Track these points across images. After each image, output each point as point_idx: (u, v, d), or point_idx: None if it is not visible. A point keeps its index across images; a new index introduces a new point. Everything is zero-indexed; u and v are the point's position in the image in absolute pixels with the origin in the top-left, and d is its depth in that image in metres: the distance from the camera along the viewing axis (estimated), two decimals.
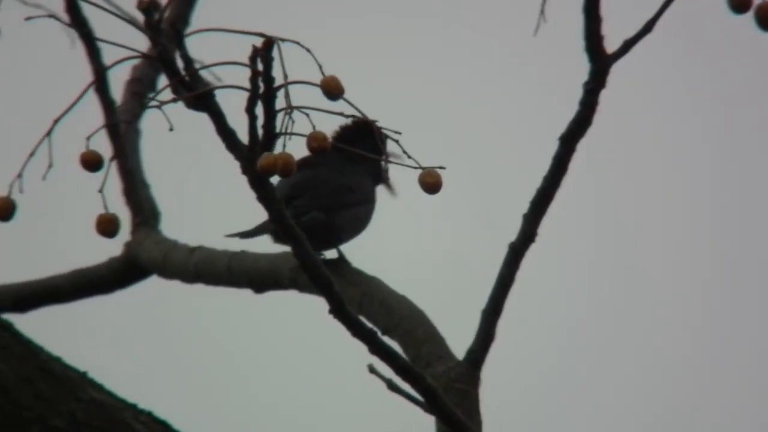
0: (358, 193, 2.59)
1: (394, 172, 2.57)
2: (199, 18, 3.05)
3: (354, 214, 2.58)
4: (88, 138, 1.75)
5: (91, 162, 1.76)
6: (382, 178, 2.62)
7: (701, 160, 3.48)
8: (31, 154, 1.75)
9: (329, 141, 1.76)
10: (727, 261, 3.43)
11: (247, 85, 1.76)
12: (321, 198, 2.55)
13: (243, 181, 1.84)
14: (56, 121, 1.74)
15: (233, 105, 1.80)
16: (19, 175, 1.76)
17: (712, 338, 3.41)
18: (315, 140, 1.75)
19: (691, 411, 3.35)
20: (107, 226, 1.77)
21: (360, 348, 1.95)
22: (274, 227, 1.91)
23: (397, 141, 1.85)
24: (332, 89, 1.74)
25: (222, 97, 1.79)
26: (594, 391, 3.39)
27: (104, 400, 2.04)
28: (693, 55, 3.30)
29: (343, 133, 2.57)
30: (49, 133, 1.75)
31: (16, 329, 2.05)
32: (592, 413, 3.36)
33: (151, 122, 2.98)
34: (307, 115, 1.76)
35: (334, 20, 3.35)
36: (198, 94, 1.76)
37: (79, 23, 2.76)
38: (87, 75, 2.84)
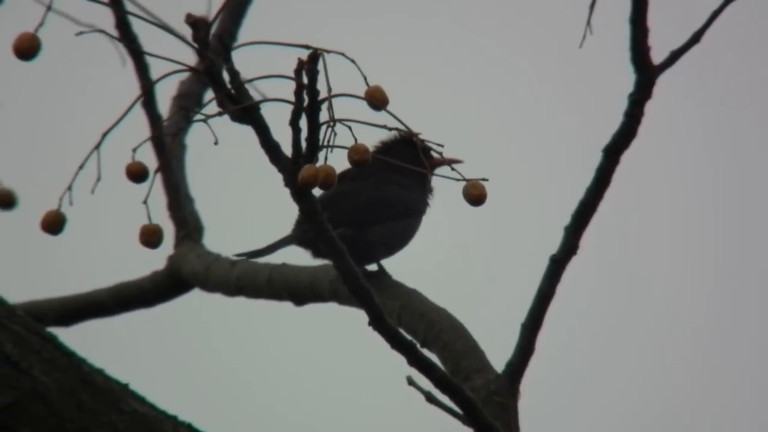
0: (397, 206, 2.54)
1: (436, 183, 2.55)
2: (246, 33, 3.07)
3: (390, 229, 2.53)
4: (135, 149, 1.76)
5: (137, 173, 1.77)
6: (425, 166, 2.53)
7: (748, 173, 3.45)
8: (81, 167, 1.76)
9: (370, 154, 1.76)
10: None
11: (292, 98, 1.77)
12: (351, 213, 2.51)
13: (286, 194, 1.84)
14: (105, 134, 1.76)
15: (278, 118, 1.81)
16: (69, 188, 1.78)
17: (757, 347, 3.38)
18: (356, 153, 1.76)
19: (722, 416, 3.32)
20: (150, 236, 1.79)
21: (399, 360, 1.95)
22: (315, 239, 1.90)
23: (440, 153, 1.84)
24: (377, 99, 1.75)
25: (266, 111, 1.80)
26: (632, 404, 3.36)
27: (146, 412, 2.04)
28: (741, 66, 3.27)
29: (387, 146, 2.55)
30: (98, 146, 1.76)
31: (59, 341, 2.06)
32: (629, 427, 3.34)
33: (196, 137, 3.00)
34: (350, 128, 1.76)
35: (379, 32, 3.36)
36: (244, 107, 1.77)
37: (128, 39, 2.79)
38: (135, 90, 2.86)
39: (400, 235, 2.55)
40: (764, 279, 3.42)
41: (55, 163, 3.02)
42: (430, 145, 1.79)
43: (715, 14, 2.11)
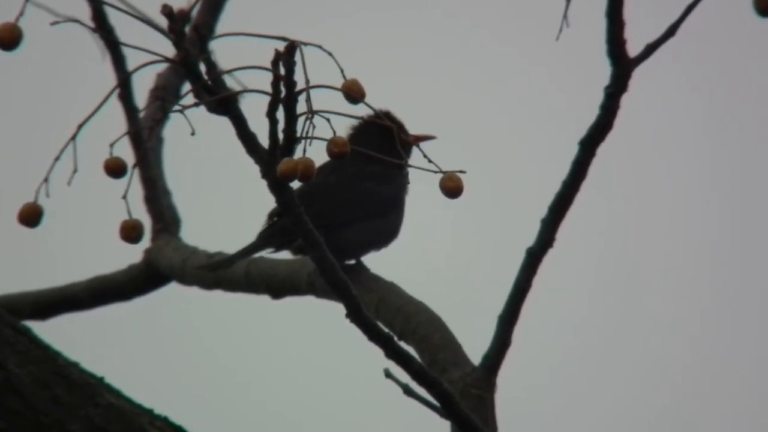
0: (373, 204, 2.51)
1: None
2: (224, 25, 3.06)
3: (366, 229, 2.50)
4: (112, 145, 1.75)
5: (115, 168, 1.76)
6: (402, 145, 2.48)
7: (723, 166, 3.47)
8: (57, 159, 1.75)
9: (349, 146, 1.76)
10: (759, 270, 3.41)
11: (269, 89, 1.76)
12: (325, 213, 2.48)
13: (263, 186, 1.83)
14: (81, 126, 1.75)
15: (255, 110, 1.80)
16: (46, 180, 1.76)
17: (733, 344, 3.40)
18: (336, 145, 1.75)
19: (700, 411, 3.34)
20: (131, 232, 1.78)
21: (376, 352, 1.95)
22: (292, 232, 1.90)
23: (417, 145, 1.84)
24: (354, 93, 1.74)
25: (244, 102, 1.79)
26: (610, 398, 3.37)
27: (121, 406, 2.03)
28: (717, 59, 3.29)
29: (359, 131, 2.50)
30: (73, 138, 1.75)
31: (33, 334, 2.05)
32: (607, 419, 3.35)
33: (173, 130, 2.99)
34: (328, 120, 1.76)
35: (355, 23, 3.36)
36: (220, 98, 1.76)
37: (104, 30, 2.78)
38: (112, 81, 2.85)
39: (376, 233, 2.53)
40: (743, 264, 3.44)
41: (33, 155, 3.00)
42: (401, 122, 1.78)
43: (691, 7, 2.12)
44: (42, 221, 1.77)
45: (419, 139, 2.41)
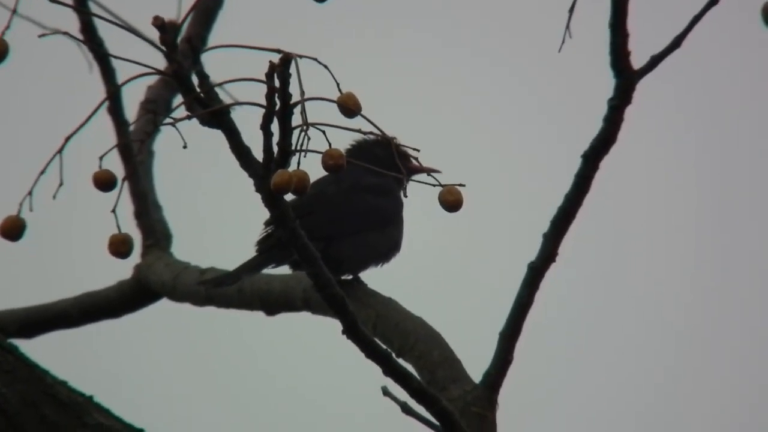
0: (372, 216, 2.45)
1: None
2: (217, 37, 3.04)
3: (364, 241, 2.45)
4: (101, 158, 1.73)
5: (104, 181, 1.73)
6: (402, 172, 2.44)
7: (729, 179, 3.44)
8: (42, 172, 1.72)
9: (345, 159, 1.73)
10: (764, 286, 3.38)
11: (263, 101, 1.73)
12: (323, 225, 2.43)
13: (258, 200, 1.80)
14: (68, 139, 1.72)
15: (249, 123, 1.77)
16: (30, 194, 1.74)
17: (737, 361, 3.37)
18: (331, 158, 1.73)
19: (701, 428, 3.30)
20: (120, 246, 1.75)
21: (374, 370, 1.93)
22: (287, 246, 1.86)
23: (416, 158, 1.82)
24: (349, 106, 1.72)
25: (238, 115, 1.77)
26: (615, 416, 3.34)
27: (111, 425, 2.01)
28: (723, 71, 3.26)
29: (360, 147, 2.48)
30: (60, 151, 1.73)
31: (20, 353, 2.02)
32: None
33: (164, 143, 2.97)
34: (324, 132, 1.73)
35: (352, 36, 3.33)
36: (213, 110, 1.73)
37: (93, 42, 2.77)
38: (102, 94, 2.83)
39: (375, 246, 2.48)
40: (746, 287, 3.41)
41: (20, 168, 2.97)
42: (407, 149, 1.77)
43: (696, 19, 2.10)
44: (24, 235, 1.74)
45: (424, 170, 2.37)
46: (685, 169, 3.44)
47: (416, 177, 1.86)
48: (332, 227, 2.45)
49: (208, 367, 3.24)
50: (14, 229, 1.74)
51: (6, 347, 1.99)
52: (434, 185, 1.78)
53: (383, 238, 2.49)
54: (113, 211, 1.74)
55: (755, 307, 3.37)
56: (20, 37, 1.75)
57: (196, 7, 1.63)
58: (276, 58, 1.71)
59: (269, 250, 2.41)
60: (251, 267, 2.41)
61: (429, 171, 2.28)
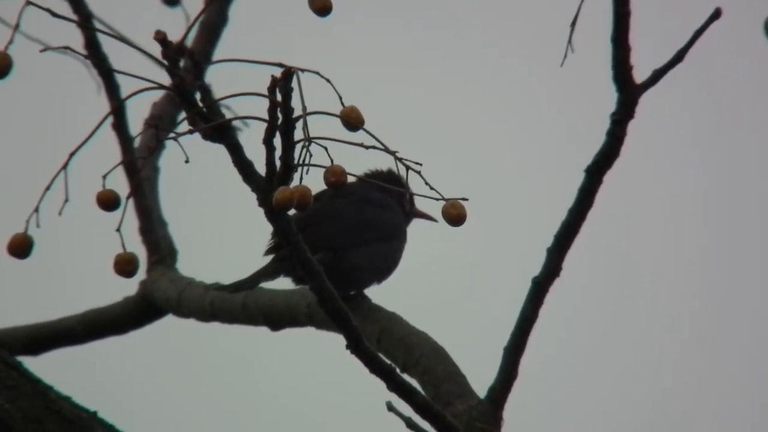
0: (378, 227, 2.48)
1: (418, 202, 2.51)
2: (221, 53, 3.05)
3: (372, 252, 2.46)
4: (105, 176, 1.73)
5: (108, 201, 1.73)
6: (407, 209, 2.50)
7: (733, 191, 3.43)
8: (47, 188, 1.72)
9: (346, 175, 1.73)
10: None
11: (266, 116, 1.73)
12: (331, 236, 2.45)
13: (261, 214, 1.80)
14: (72, 154, 1.72)
15: (251, 137, 1.77)
16: (36, 210, 1.73)
17: (741, 377, 3.35)
18: (333, 174, 1.73)
19: None
20: (125, 265, 1.75)
21: (378, 385, 1.92)
22: (290, 261, 1.86)
23: (418, 172, 1.81)
24: (352, 120, 1.72)
25: (241, 130, 1.76)
26: (619, 430, 3.32)
27: None
28: (725, 85, 3.26)
29: (373, 176, 2.49)
30: (65, 167, 1.72)
31: (24, 368, 2.02)
32: None
33: (168, 160, 2.97)
34: (326, 148, 1.73)
35: (355, 50, 3.34)
36: (215, 125, 1.73)
37: (97, 58, 2.78)
38: (105, 110, 2.82)
39: (383, 258, 2.49)
40: (749, 297, 3.40)
41: (24, 185, 2.98)
42: (408, 164, 1.76)
43: (699, 33, 2.10)
44: (32, 252, 1.74)
45: (425, 216, 2.43)
46: (689, 183, 3.44)
47: (419, 191, 1.86)
48: (341, 237, 2.47)
49: (213, 383, 3.24)
50: (22, 247, 1.73)
51: (10, 363, 2.00)
52: (437, 199, 1.77)
53: (389, 249, 2.50)
54: (118, 230, 1.74)
55: (760, 335, 3.36)
56: (24, 53, 1.76)
57: (198, 20, 1.63)
58: (278, 72, 1.71)
59: (281, 258, 2.43)
60: (268, 273, 2.42)
61: (429, 218, 2.44)
